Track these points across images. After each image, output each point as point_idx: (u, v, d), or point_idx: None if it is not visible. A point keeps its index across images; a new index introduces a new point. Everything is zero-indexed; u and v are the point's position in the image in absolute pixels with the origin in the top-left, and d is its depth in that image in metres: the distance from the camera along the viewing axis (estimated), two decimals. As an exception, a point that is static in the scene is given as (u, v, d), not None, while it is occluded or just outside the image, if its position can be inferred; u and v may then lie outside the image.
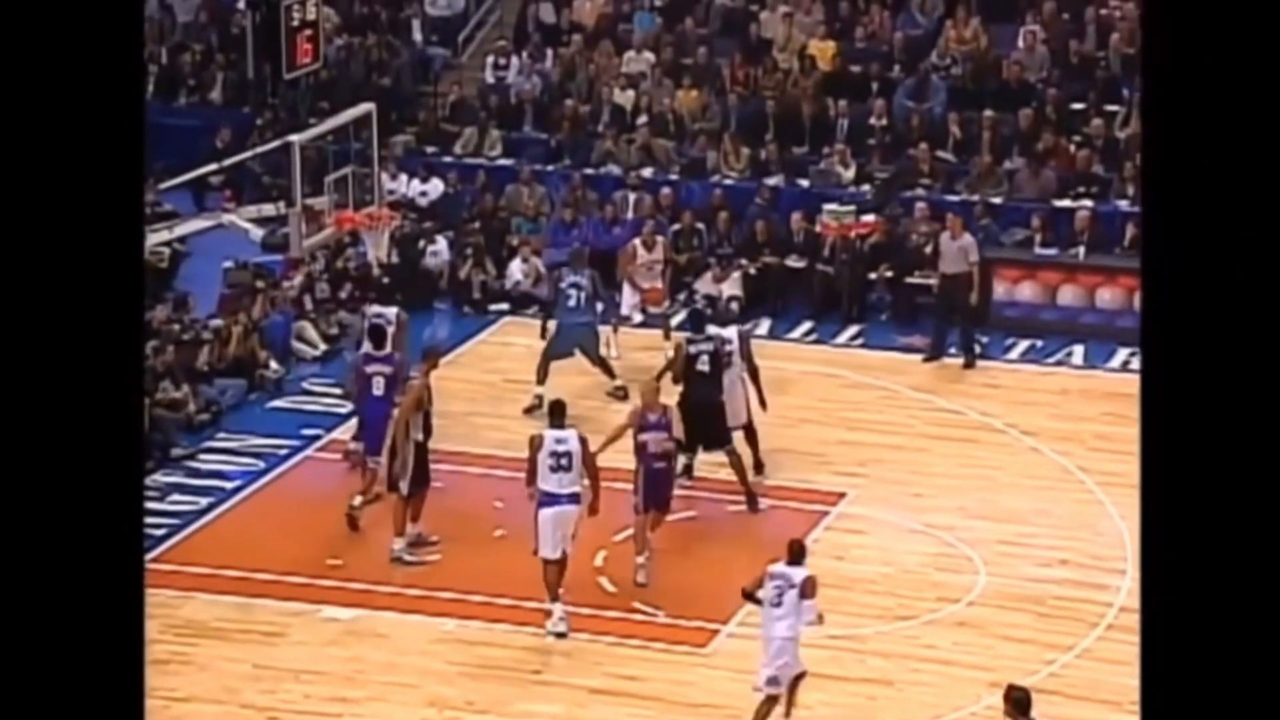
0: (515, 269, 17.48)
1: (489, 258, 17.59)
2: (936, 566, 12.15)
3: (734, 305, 17.13)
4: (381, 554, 12.09)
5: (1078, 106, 18.16)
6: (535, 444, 11.08)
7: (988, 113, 18.11)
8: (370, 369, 12.55)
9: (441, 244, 17.70)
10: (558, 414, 11.31)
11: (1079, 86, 18.30)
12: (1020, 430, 14.39)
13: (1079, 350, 16.10)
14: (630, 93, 19.32)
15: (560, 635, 11.06)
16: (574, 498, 11.05)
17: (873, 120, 18.46)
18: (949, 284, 15.72)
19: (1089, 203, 17.16)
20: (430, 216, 18.16)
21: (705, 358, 12.78)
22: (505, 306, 17.29)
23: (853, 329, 16.77)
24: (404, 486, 11.83)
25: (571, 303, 14.62)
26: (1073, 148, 17.75)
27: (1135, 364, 15.75)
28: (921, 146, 17.95)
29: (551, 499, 10.98)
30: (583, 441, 11.11)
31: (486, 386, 15.26)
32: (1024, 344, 16.31)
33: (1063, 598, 11.64)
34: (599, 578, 11.91)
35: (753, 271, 17.21)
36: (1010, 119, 18.14)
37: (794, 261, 17.29)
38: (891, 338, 16.32)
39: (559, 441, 11.02)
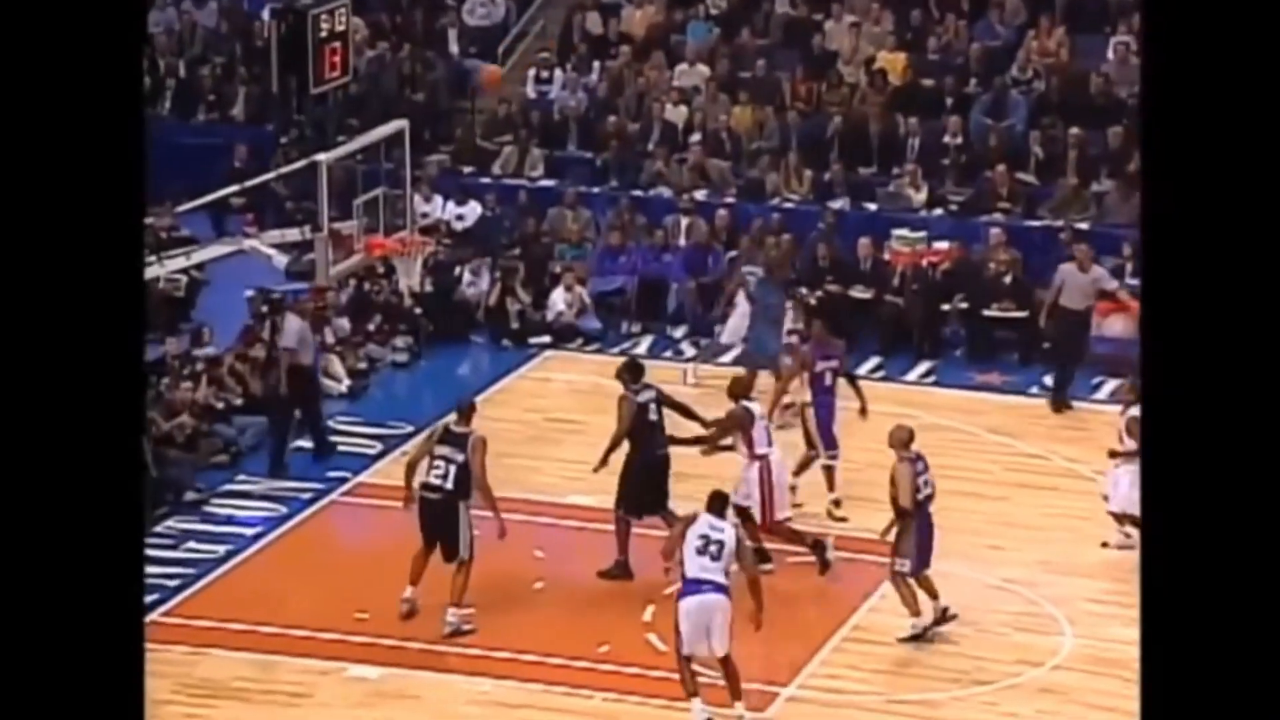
0: (558, 299, 17.58)
1: (530, 287, 17.69)
2: (1017, 626, 12.08)
3: (794, 339, 17.17)
4: (417, 598, 12.12)
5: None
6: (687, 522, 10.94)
7: (1074, 130, 18.09)
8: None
9: (479, 271, 17.82)
10: (716, 502, 11.06)
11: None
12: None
13: (1174, 390, 15.97)
14: (683, 109, 19.43)
15: None
16: (720, 588, 10.73)
17: (946, 139, 18.48)
18: (1073, 320, 15.60)
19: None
20: (467, 242, 18.30)
21: (653, 407, 12.69)
22: (546, 339, 17.39)
23: (924, 365, 16.74)
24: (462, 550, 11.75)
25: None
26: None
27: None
28: (1000, 168, 17.94)
29: (695, 586, 10.74)
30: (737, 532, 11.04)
31: (525, 426, 15.33)
32: (1113, 383, 16.22)
33: (1157, 661, 11.53)
34: (648, 634, 11.91)
35: (814, 302, 17.22)
36: (1098, 137, 18.11)
37: (860, 292, 17.30)
38: (967, 375, 16.28)
39: (713, 528, 10.83)
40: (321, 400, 15.08)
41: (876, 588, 12.39)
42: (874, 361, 16.59)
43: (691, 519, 10.97)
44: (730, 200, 18.50)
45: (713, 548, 10.79)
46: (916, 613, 11.68)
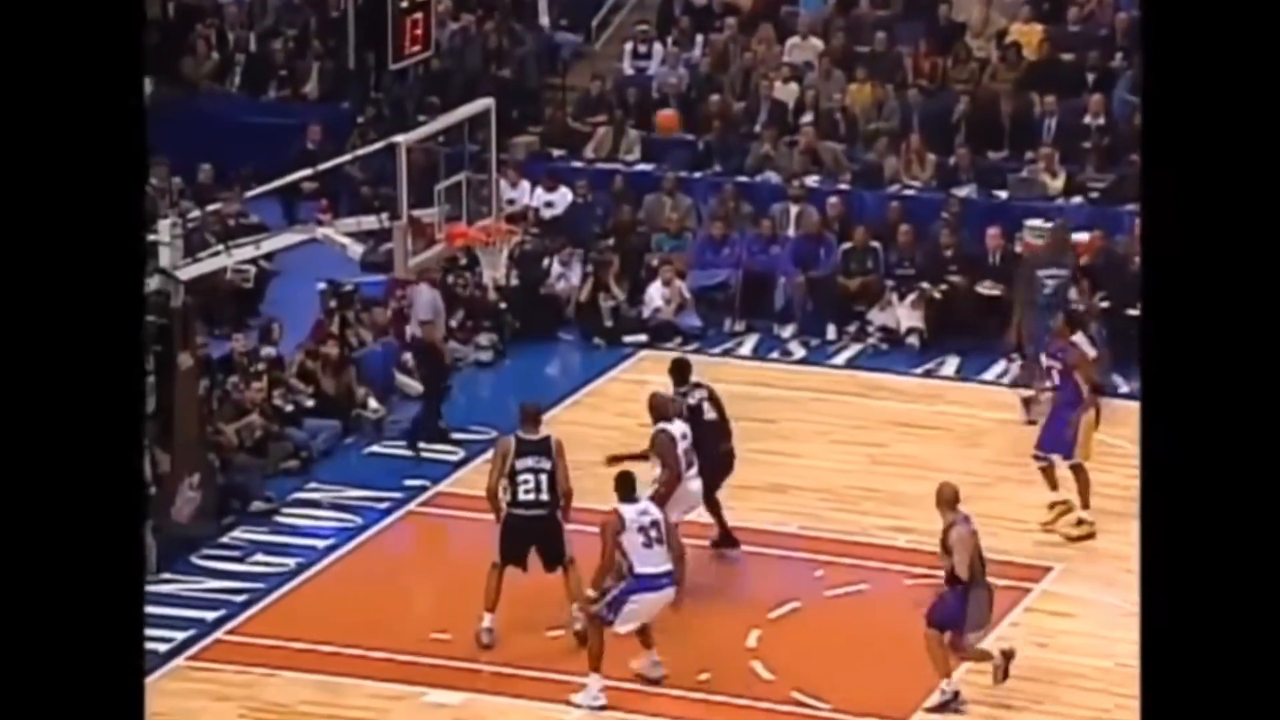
0: (655, 294, 17.60)
1: (624, 281, 17.72)
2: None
3: (913, 339, 17.06)
4: (496, 626, 12.17)
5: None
6: (613, 525, 11.30)
7: (1227, 110, 17.86)
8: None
9: (570, 264, 17.88)
10: (626, 487, 11.46)
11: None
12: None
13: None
14: (794, 86, 19.38)
15: (600, 708, 11.29)
16: (670, 576, 11.43)
17: (1087, 119, 18.28)
18: None
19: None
20: (556, 231, 18.36)
21: (706, 405, 12.97)
22: (643, 338, 17.41)
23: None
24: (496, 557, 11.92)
25: None
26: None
27: None
28: (1145, 150, 17.74)
29: (652, 581, 11.28)
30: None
31: (619, 432, 15.32)
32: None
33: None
34: (752, 661, 11.88)
35: (937, 297, 17.09)
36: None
37: (988, 288, 17.15)
38: (1109, 381, 16.07)
39: (642, 514, 11.34)
40: (449, 381, 15.50)
41: (1007, 614, 12.27)
42: (1002, 365, 16.42)
43: (616, 521, 11.21)
44: (844, 187, 18.42)
45: (654, 532, 11.23)
46: (946, 674, 11.33)
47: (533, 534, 11.88)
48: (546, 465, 11.82)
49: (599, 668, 11.36)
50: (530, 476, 11.80)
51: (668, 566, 11.39)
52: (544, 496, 11.81)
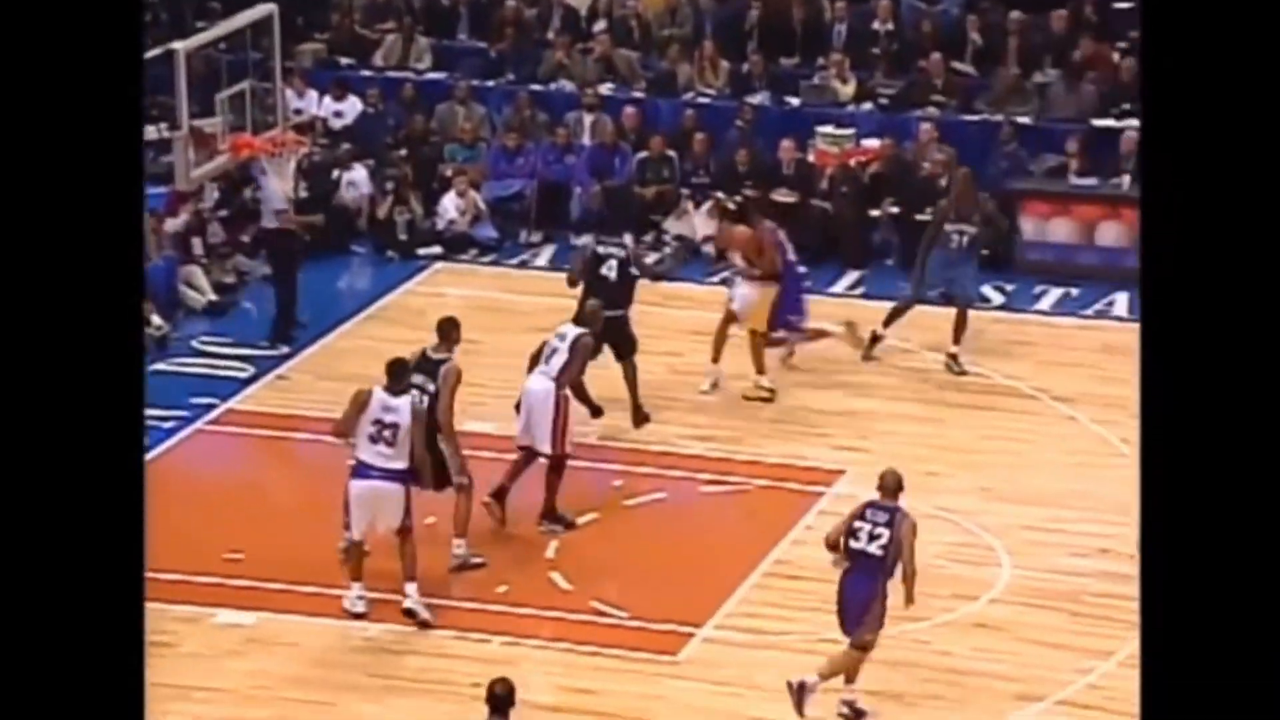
0: (449, 205, 17.43)
1: (417, 192, 17.52)
2: (952, 558, 12.18)
3: (709, 247, 17.14)
4: (290, 546, 12.03)
5: (1123, 5, 18.15)
6: (358, 400, 11.10)
7: (1014, 15, 18.10)
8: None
9: (360, 174, 17.62)
10: (391, 374, 11.16)
11: (1122, -18, 18.34)
12: (1053, 396, 14.44)
13: (1122, 299, 16.15)
14: (586, -8, 19.24)
15: (359, 616, 11.24)
16: (391, 474, 10.99)
17: (876, 25, 18.43)
18: None
19: (1135, 122, 17.17)
20: (346, 141, 18.06)
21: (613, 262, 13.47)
22: (437, 250, 17.25)
23: (853, 275, 16.78)
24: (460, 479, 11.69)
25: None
26: (1116, 56, 17.76)
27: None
28: (934, 57, 17.94)
29: (360, 469, 11.05)
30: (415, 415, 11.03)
31: (415, 345, 15.20)
32: (1057, 292, 16.36)
33: (1103, 594, 11.69)
34: (551, 572, 11.90)
35: (732, 206, 17.17)
36: (1041, 22, 18.13)
37: (783, 195, 17.27)
38: (899, 286, 16.31)
39: (387, 409, 11.00)
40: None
41: (800, 519, 12.45)
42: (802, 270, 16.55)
43: (366, 396, 11.03)
44: (639, 95, 18.37)
45: (386, 433, 10.92)
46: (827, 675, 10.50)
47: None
48: (431, 387, 11.47)
49: (359, 577, 11.28)
50: (417, 393, 11.37)
51: (383, 464, 10.96)
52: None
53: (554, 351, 12.38)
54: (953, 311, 14.83)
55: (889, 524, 10.29)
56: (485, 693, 8.85)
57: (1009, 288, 16.39)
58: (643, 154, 17.70)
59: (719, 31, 18.70)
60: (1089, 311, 16.05)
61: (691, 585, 11.76)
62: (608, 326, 13.13)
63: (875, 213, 17.19)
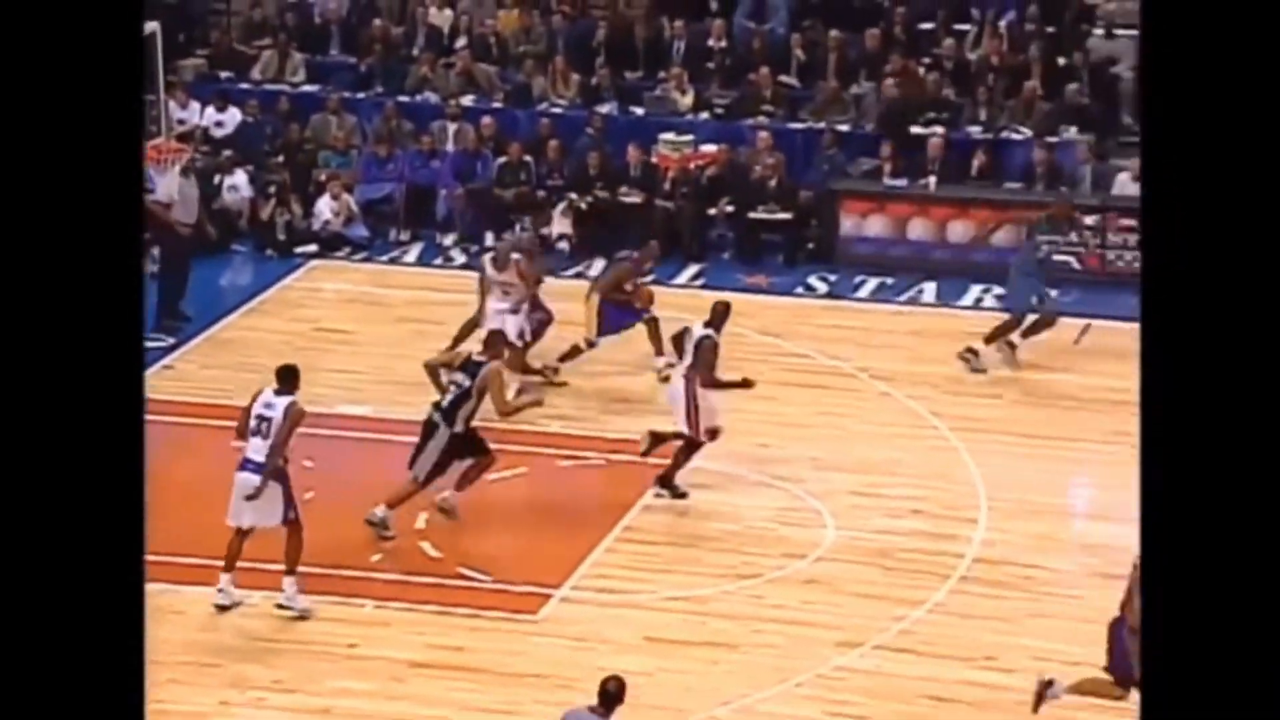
0: (324, 207, 17.10)
1: (295, 195, 17.17)
2: (783, 521, 12.17)
3: (564, 244, 17.00)
4: (183, 523, 11.68)
5: (926, 26, 18.28)
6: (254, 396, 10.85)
7: (833, 33, 18.15)
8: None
9: (240, 179, 17.22)
10: (281, 377, 10.81)
11: (927, 5, 18.43)
12: (871, 374, 14.49)
13: (930, 288, 16.27)
14: (448, 12, 18.97)
15: (223, 608, 10.79)
16: (255, 466, 10.64)
17: (711, 42, 18.38)
18: None
19: (940, 129, 17.30)
20: (227, 149, 17.64)
21: None
22: (313, 248, 16.93)
23: (693, 268, 16.73)
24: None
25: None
26: (921, 70, 17.88)
27: (988, 301, 15.98)
28: (763, 70, 17.93)
29: (243, 461, 10.74)
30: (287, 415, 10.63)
31: (294, 336, 14.91)
32: (873, 282, 16.44)
33: (914, 550, 11.74)
34: (420, 542, 11.72)
35: (584, 207, 17.05)
36: (856, 40, 18.20)
37: (629, 196, 17.17)
38: (735, 277, 16.32)
39: (268, 405, 10.69)
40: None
41: (647, 489, 12.38)
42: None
43: (256, 395, 10.84)
44: (497, 106, 18.15)
45: (264, 426, 10.66)
46: None
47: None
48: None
49: (230, 568, 10.80)
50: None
51: (258, 457, 10.63)
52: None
53: (685, 351, 12.38)
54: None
55: None
56: (598, 688, 8.39)
57: (832, 278, 16.45)
58: (502, 159, 17.50)
59: (570, 48, 18.54)
60: (902, 299, 16.14)
61: (549, 551, 11.63)
62: None
63: (713, 211, 17.15)
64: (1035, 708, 9.57)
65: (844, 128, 17.59)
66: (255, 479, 10.64)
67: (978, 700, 10.08)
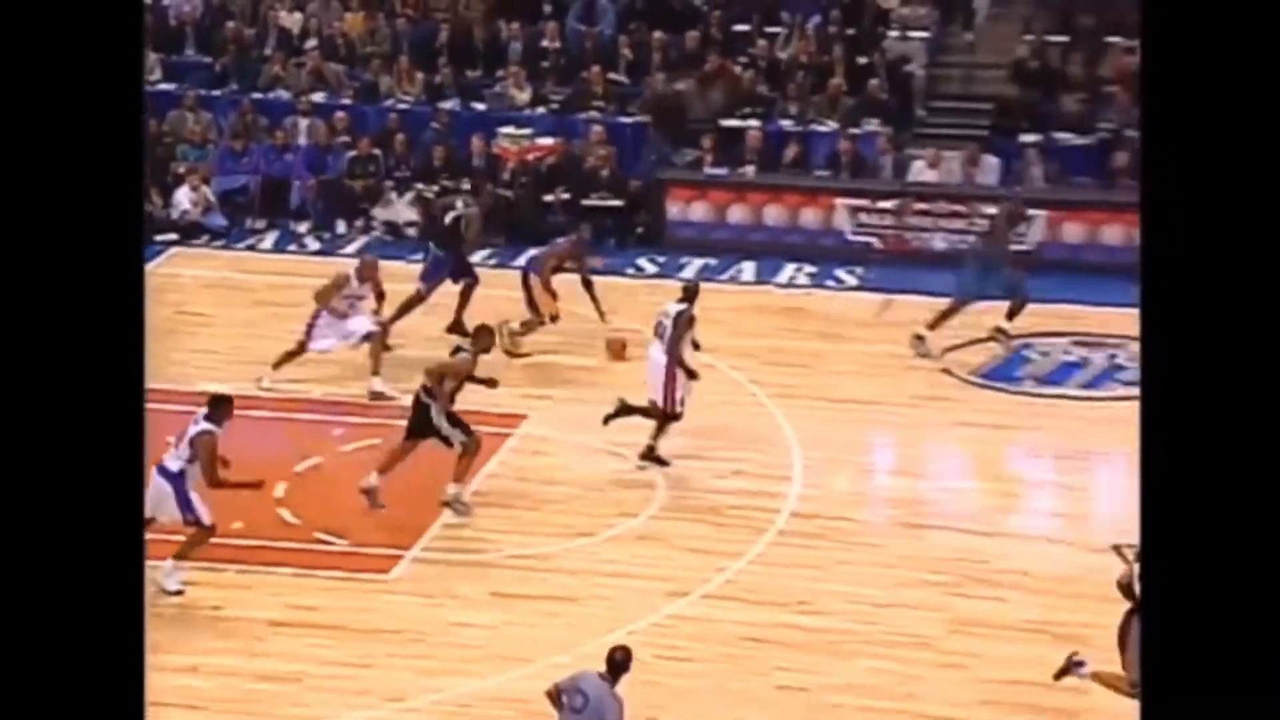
0: (182, 197, 17.10)
1: (155, 186, 17.12)
2: (619, 483, 12.50)
3: (411, 230, 17.22)
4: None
5: (742, 28, 18.78)
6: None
7: (657, 34, 18.54)
8: None
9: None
10: (211, 403, 10.86)
11: (742, 9, 18.93)
12: (696, 347, 14.91)
13: (749, 267, 16.79)
14: (297, 15, 19.02)
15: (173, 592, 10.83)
16: (164, 471, 10.70)
17: (545, 43, 18.66)
18: None
19: (756, 122, 17.83)
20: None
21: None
22: (173, 236, 16.92)
23: (532, 252, 17.01)
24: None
25: None
26: (738, 69, 18.36)
27: (801, 279, 16.56)
28: (594, 69, 18.27)
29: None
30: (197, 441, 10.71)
31: (156, 320, 14.86)
32: (698, 262, 16.90)
33: (738, 507, 12.12)
34: (279, 509, 11.88)
35: (430, 196, 17.26)
36: (679, 41, 18.61)
37: (471, 185, 17.39)
38: (587, 263, 16.61)
39: (195, 422, 10.77)
40: None
41: (493, 455, 12.66)
42: (487, 250, 16.77)
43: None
44: (347, 102, 18.27)
45: (182, 440, 10.67)
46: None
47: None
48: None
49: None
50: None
51: (168, 463, 10.67)
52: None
53: (663, 327, 12.46)
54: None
55: None
56: (606, 656, 8.38)
57: (660, 260, 16.88)
58: (352, 153, 17.63)
59: (414, 48, 18.70)
60: (724, 278, 16.59)
61: (401, 515, 11.81)
62: None
63: (549, 199, 17.47)
64: (1058, 677, 9.51)
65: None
66: (158, 480, 10.55)
67: (794, 642, 10.50)
